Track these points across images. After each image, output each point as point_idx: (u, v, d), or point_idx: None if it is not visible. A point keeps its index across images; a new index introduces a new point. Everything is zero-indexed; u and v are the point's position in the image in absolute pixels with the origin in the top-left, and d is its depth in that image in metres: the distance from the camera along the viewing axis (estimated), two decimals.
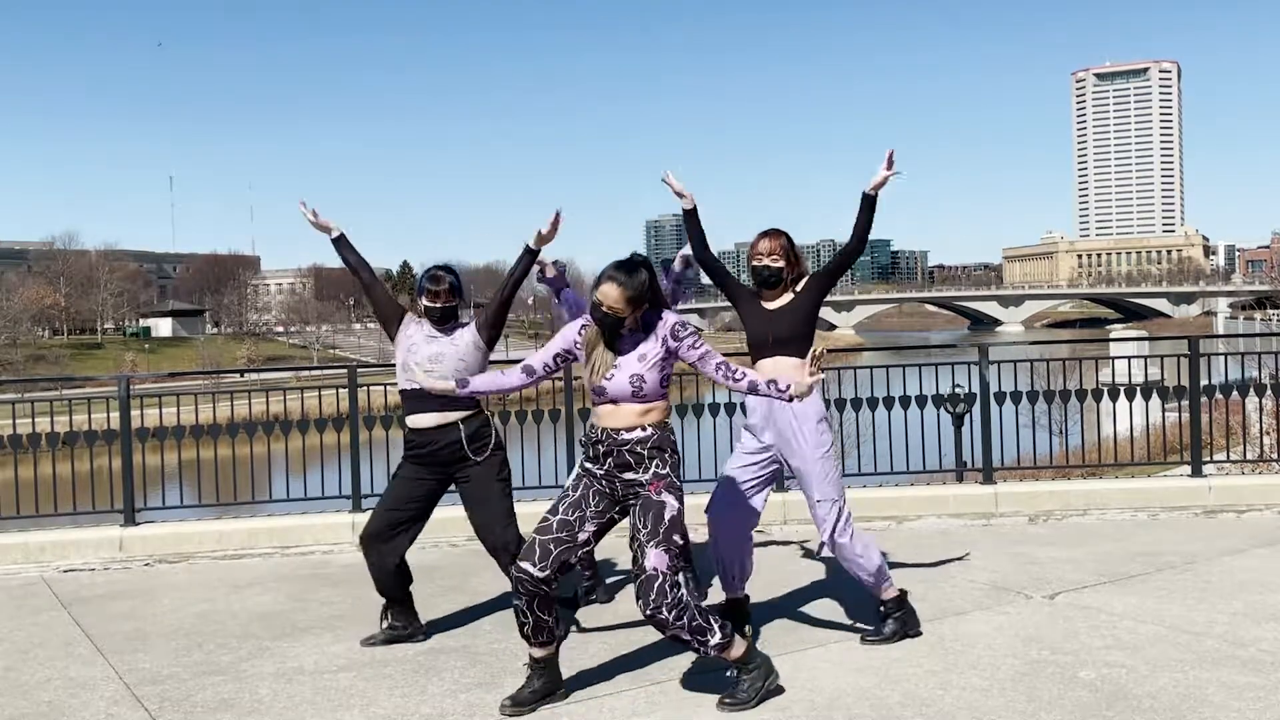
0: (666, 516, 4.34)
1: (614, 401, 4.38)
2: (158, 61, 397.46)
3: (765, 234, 5.23)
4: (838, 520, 5.09)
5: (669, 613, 4.25)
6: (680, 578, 4.36)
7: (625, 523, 4.48)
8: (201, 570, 7.38)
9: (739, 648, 4.40)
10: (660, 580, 4.26)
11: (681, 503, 4.42)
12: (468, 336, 5.51)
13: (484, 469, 5.45)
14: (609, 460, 4.41)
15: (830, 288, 5.32)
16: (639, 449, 4.37)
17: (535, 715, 4.35)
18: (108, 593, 6.77)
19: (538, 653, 4.46)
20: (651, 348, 4.38)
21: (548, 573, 4.33)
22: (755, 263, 5.22)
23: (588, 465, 4.51)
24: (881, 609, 5.22)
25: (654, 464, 4.39)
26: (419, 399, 5.39)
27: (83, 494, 8.46)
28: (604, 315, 4.36)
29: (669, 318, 4.42)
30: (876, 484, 8.99)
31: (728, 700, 4.33)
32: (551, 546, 4.34)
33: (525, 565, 4.33)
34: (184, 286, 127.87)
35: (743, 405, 5.60)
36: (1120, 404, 9.07)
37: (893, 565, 6.70)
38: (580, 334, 4.50)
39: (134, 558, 7.80)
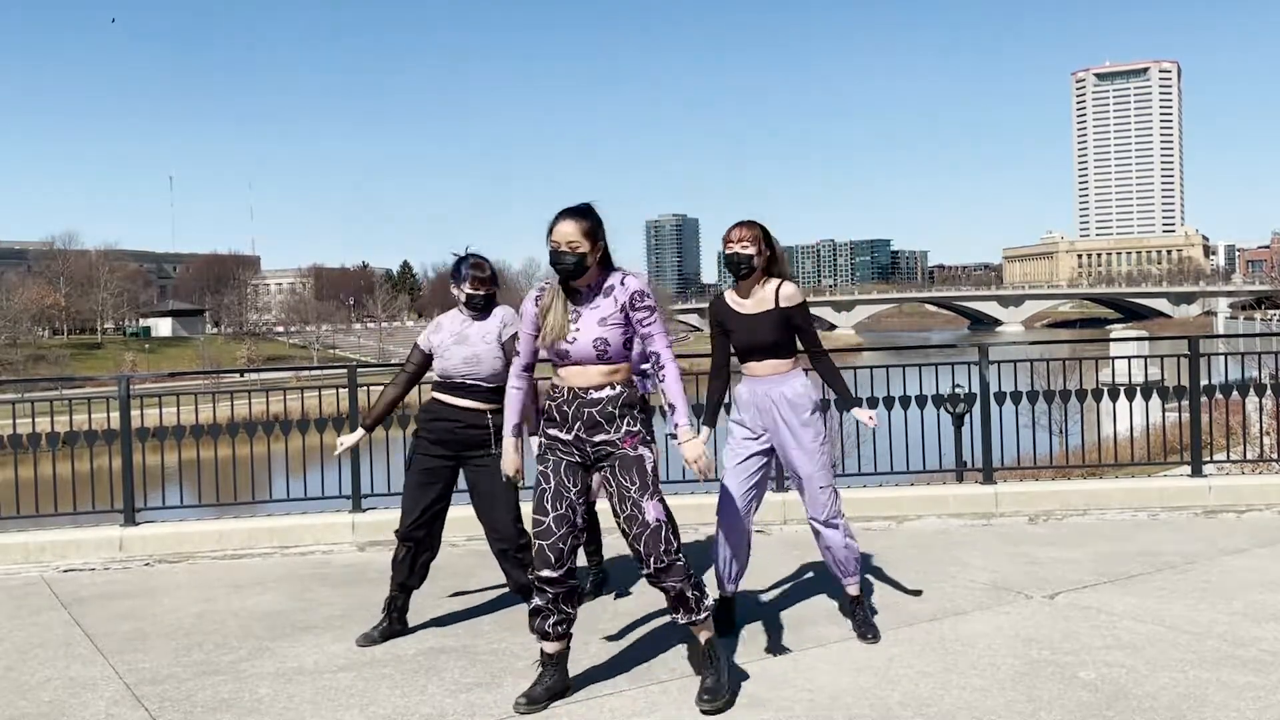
0: (649, 468, 4.36)
1: (579, 364, 4.34)
2: (157, 61, 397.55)
3: (738, 224, 5.23)
4: (835, 502, 5.23)
5: (680, 557, 4.34)
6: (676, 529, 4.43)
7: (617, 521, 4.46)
8: (201, 570, 7.37)
9: (713, 629, 4.46)
10: (665, 529, 4.32)
11: (654, 453, 4.42)
12: (494, 325, 5.50)
13: (496, 462, 5.47)
14: (578, 424, 4.35)
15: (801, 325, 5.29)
16: (609, 408, 4.33)
17: (536, 715, 4.34)
18: (108, 593, 6.77)
19: (553, 648, 4.46)
20: (611, 310, 4.32)
21: (564, 568, 4.35)
22: (727, 251, 5.21)
23: (551, 432, 4.41)
24: (851, 603, 5.35)
25: (624, 421, 4.35)
26: (453, 388, 5.48)
27: (83, 494, 8.46)
28: (564, 256, 4.27)
29: (630, 283, 4.35)
30: (876, 484, 8.98)
31: (707, 698, 4.29)
32: (560, 544, 4.34)
33: (544, 573, 4.34)
34: (184, 286, 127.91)
35: (727, 402, 5.59)
36: (1120, 404, 9.06)
37: (893, 565, 6.71)
38: (536, 304, 4.44)
39: (134, 558, 7.80)
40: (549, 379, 4.56)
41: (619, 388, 4.36)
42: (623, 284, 4.35)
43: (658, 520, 4.31)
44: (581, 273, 4.32)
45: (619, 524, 4.36)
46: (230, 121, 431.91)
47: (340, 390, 8.59)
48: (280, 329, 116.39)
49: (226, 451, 8.74)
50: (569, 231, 4.27)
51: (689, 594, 4.37)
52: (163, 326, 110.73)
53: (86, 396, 8.84)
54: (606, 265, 4.39)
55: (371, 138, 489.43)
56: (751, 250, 5.16)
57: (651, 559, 4.31)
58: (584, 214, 4.32)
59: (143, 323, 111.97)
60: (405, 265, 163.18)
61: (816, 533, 5.29)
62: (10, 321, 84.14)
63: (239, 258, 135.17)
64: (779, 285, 5.20)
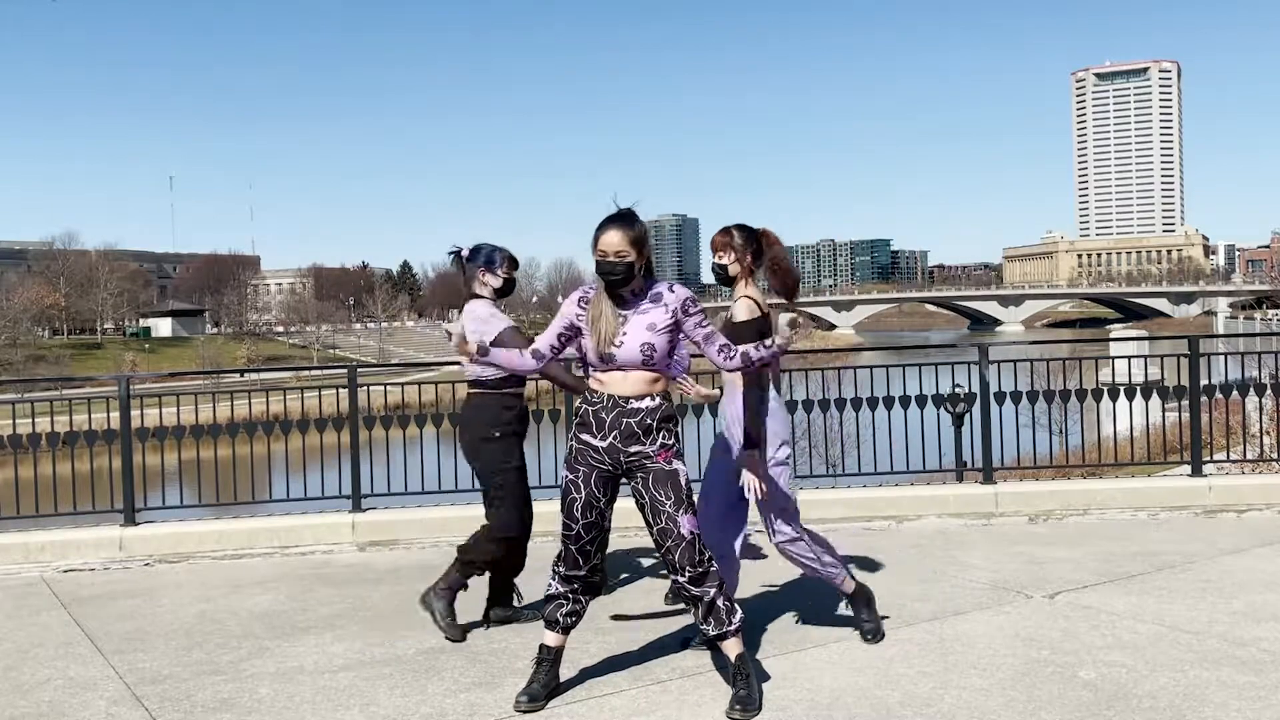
0: (683, 482, 4.38)
1: (622, 369, 4.33)
2: (157, 61, 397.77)
3: (718, 232, 5.14)
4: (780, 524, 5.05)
5: (713, 565, 4.38)
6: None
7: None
8: (201, 570, 7.38)
9: (743, 643, 4.42)
10: (699, 541, 4.36)
11: (685, 466, 4.46)
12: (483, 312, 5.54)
13: (494, 452, 5.55)
14: (614, 433, 4.34)
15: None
16: (648, 420, 4.33)
17: (535, 715, 4.35)
18: (108, 593, 6.77)
19: (555, 640, 4.49)
20: (661, 317, 4.33)
21: (593, 563, 4.45)
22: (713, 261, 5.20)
23: (584, 438, 4.40)
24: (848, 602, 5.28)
25: (660, 434, 4.37)
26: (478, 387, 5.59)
27: (83, 494, 8.46)
28: (612, 266, 4.27)
29: (679, 290, 4.40)
30: (876, 484, 8.99)
31: (739, 708, 4.25)
32: (588, 547, 4.42)
33: (573, 572, 4.41)
34: (184, 286, 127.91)
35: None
36: (1120, 404, 9.07)
37: (893, 565, 6.71)
38: (582, 306, 4.43)
39: (134, 558, 7.80)
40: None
41: (658, 399, 4.38)
42: (672, 291, 4.39)
43: (692, 533, 4.33)
44: (630, 280, 4.33)
45: (652, 535, 4.39)
46: (230, 121, 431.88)
47: (340, 390, 8.60)
48: (280, 329, 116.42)
49: (226, 451, 8.75)
50: (616, 241, 4.27)
51: (720, 603, 4.36)
52: (163, 326, 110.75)
53: (86, 396, 8.85)
54: (648, 271, 4.41)
55: (371, 138, 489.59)
56: (725, 260, 5.08)
57: (686, 569, 4.33)
58: (629, 221, 4.31)
59: (143, 323, 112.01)
60: (405, 265, 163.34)
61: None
62: (10, 321, 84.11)
63: (239, 258, 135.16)
64: (739, 300, 5.02)
